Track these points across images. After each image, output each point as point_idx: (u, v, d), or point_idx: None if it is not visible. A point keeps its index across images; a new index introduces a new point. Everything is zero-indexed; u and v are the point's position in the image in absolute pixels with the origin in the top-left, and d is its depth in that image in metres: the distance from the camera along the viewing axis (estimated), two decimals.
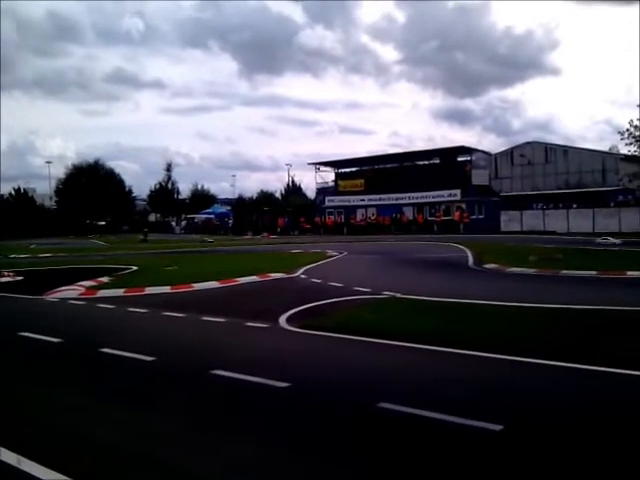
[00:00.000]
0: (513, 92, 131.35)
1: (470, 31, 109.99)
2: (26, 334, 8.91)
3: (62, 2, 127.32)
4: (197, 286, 14.51)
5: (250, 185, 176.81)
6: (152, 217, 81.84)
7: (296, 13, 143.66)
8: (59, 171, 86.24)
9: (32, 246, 39.36)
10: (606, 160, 53.23)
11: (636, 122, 36.40)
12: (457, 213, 49.17)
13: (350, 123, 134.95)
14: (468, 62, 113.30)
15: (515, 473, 3.94)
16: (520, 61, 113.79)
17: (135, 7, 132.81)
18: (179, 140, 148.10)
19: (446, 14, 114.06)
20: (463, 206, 49.62)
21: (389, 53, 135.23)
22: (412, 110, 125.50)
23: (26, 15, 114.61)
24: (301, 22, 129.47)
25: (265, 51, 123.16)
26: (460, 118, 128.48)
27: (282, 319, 9.88)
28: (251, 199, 77.78)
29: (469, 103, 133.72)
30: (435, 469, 4.03)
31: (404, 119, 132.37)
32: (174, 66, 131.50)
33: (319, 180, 64.16)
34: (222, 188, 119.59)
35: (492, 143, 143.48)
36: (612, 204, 44.05)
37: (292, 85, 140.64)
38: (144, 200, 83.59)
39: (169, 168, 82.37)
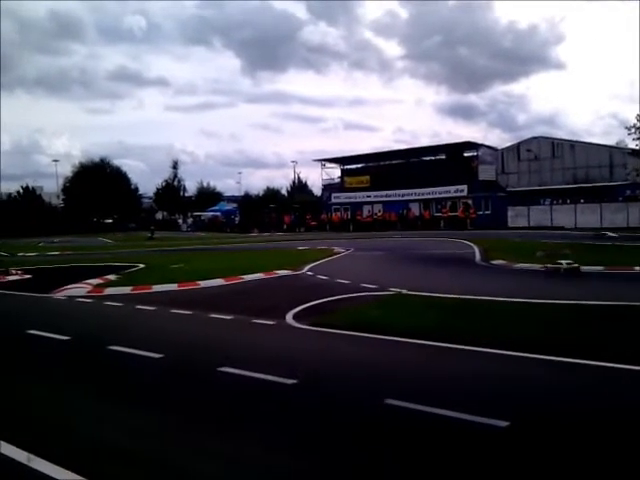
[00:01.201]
0: (518, 87, 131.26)
1: (474, 26, 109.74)
2: (34, 332, 8.96)
3: (64, 1, 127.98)
4: (203, 284, 14.56)
5: (256, 182, 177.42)
6: (159, 215, 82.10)
7: (299, 10, 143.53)
8: (65, 169, 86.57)
9: (40, 244, 39.61)
10: (613, 155, 52.91)
11: None
12: (461, 209, 48.95)
13: (354, 119, 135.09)
14: (472, 57, 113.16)
15: (521, 469, 3.94)
16: (524, 56, 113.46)
17: (137, 5, 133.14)
18: (184, 138, 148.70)
19: (449, 9, 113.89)
20: (469, 202, 49.42)
21: (392, 49, 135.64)
22: (416, 106, 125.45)
23: (28, 14, 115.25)
24: (304, 18, 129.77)
25: (268, 48, 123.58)
26: (465, 113, 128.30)
27: (289, 316, 9.89)
28: (257, 196, 77.92)
29: (473, 98, 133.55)
30: (441, 465, 4.04)
31: (408, 115, 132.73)
32: (177, 64, 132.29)
33: (325, 177, 64.19)
34: (228, 185, 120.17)
35: (498, 138, 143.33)
36: (620, 199, 43.79)
37: (296, 82, 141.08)
38: (150, 198, 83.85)
39: (175, 166, 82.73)
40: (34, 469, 4.04)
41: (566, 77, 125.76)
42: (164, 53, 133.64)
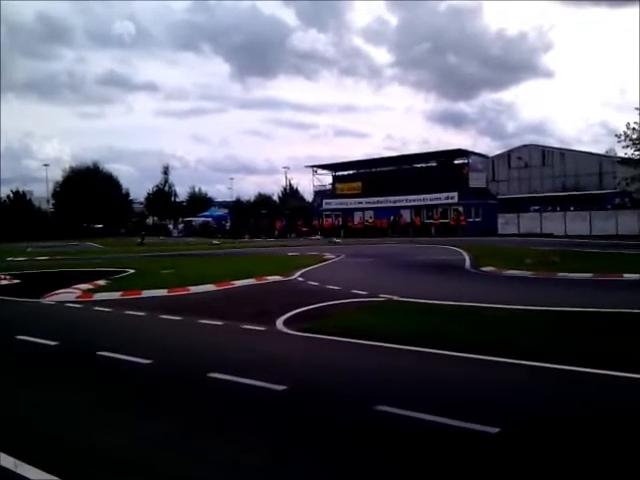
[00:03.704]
0: (507, 95, 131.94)
1: (463, 33, 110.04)
2: (23, 337, 8.89)
3: (52, 5, 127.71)
4: (194, 289, 14.50)
5: (247, 188, 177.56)
6: (149, 220, 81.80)
7: (288, 16, 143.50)
8: (55, 174, 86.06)
9: (29, 249, 39.29)
10: (603, 163, 53.49)
11: (633, 125, 36.56)
12: (453, 217, 49.20)
13: (345, 126, 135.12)
14: (461, 65, 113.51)
15: (511, 476, 3.95)
16: (513, 63, 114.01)
17: (126, 10, 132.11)
18: (174, 143, 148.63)
19: (439, 16, 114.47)
20: (460, 209, 49.68)
21: (382, 56, 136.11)
22: (406, 113, 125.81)
23: (16, 17, 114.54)
24: (293, 25, 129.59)
25: (258, 54, 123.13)
26: (454, 121, 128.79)
27: (279, 322, 9.87)
28: (249, 202, 77.90)
29: (463, 106, 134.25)
30: (432, 471, 4.03)
31: (398, 122, 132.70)
32: (167, 69, 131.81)
33: (316, 183, 64.34)
34: (218, 191, 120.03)
35: (487, 146, 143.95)
36: (609, 207, 44.14)
37: (286, 88, 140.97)
38: (141, 203, 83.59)
39: (166, 171, 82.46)
40: (21, 475, 4.00)
41: (555, 85, 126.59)
42: (153, 58, 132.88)
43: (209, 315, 10.64)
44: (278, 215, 62.84)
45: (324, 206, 60.48)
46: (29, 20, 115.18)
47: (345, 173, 62.31)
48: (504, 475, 3.96)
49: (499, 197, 54.08)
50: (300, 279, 16.74)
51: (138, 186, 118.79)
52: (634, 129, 36.52)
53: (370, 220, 54.48)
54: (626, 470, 3.97)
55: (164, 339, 9.18)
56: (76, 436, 4.85)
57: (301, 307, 11.25)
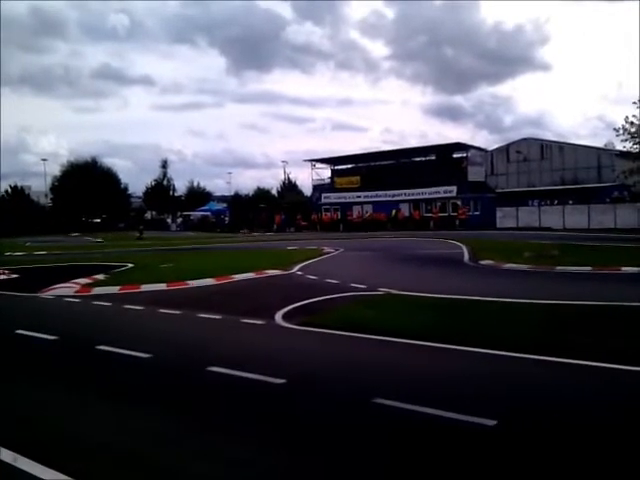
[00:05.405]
0: (504, 88, 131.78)
1: (459, 26, 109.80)
2: (22, 332, 8.90)
3: None
4: (193, 283, 14.51)
5: (244, 182, 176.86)
6: (148, 214, 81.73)
7: (284, 9, 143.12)
8: (52, 169, 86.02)
9: (27, 244, 39.27)
10: (602, 156, 53.48)
11: (632, 118, 36.54)
12: (461, 209, 49.03)
13: (343, 120, 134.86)
14: (458, 58, 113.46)
15: (508, 467, 3.97)
16: (510, 57, 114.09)
17: (120, 3, 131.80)
18: (171, 137, 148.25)
19: (435, 9, 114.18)
20: (459, 203, 49.67)
21: (378, 49, 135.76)
22: (403, 106, 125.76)
23: (10, 11, 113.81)
24: (289, 18, 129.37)
25: (253, 47, 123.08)
26: (452, 114, 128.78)
27: (278, 316, 9.88)
28: (247, 196, 77.83)
29: (460, 99, 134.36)
30: (430, 463, 4.05)
31: (396, 115, 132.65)
32: (162, 62, 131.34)
33: (315, 177, 64.26)
34: (216, 185, 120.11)
35: (485, 139, 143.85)
36: (608, 200, 44.15)
37: (282, 81, 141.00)
38: (139, 197, 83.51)
39: (165, 165, 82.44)
40: (21, 469, 4.02)
41: (552, 78, 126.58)
42: (148, 52, 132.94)
43: (208, 309, 10.65)
44: (277, 209, 62.80)
45: (323, 200, 60.48)
46: (23, 13, 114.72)
47: (343, 167, 62.26)
48: (500, 467, 3.98)
49: (498, 191, 54.09)
50: (299, 273, 16.75)
51: (135, 180, 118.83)
52: (632, 122, 36.51)
53: (368, 214, 54.46)
54: (620, 464, 4.00)
55: (163, 333, 9.18)
56: (75, 431, 4.85)
57: (300, 301, 11.25)
